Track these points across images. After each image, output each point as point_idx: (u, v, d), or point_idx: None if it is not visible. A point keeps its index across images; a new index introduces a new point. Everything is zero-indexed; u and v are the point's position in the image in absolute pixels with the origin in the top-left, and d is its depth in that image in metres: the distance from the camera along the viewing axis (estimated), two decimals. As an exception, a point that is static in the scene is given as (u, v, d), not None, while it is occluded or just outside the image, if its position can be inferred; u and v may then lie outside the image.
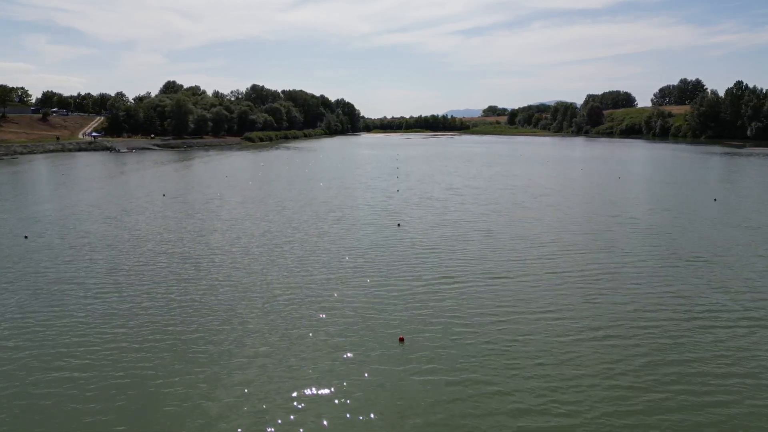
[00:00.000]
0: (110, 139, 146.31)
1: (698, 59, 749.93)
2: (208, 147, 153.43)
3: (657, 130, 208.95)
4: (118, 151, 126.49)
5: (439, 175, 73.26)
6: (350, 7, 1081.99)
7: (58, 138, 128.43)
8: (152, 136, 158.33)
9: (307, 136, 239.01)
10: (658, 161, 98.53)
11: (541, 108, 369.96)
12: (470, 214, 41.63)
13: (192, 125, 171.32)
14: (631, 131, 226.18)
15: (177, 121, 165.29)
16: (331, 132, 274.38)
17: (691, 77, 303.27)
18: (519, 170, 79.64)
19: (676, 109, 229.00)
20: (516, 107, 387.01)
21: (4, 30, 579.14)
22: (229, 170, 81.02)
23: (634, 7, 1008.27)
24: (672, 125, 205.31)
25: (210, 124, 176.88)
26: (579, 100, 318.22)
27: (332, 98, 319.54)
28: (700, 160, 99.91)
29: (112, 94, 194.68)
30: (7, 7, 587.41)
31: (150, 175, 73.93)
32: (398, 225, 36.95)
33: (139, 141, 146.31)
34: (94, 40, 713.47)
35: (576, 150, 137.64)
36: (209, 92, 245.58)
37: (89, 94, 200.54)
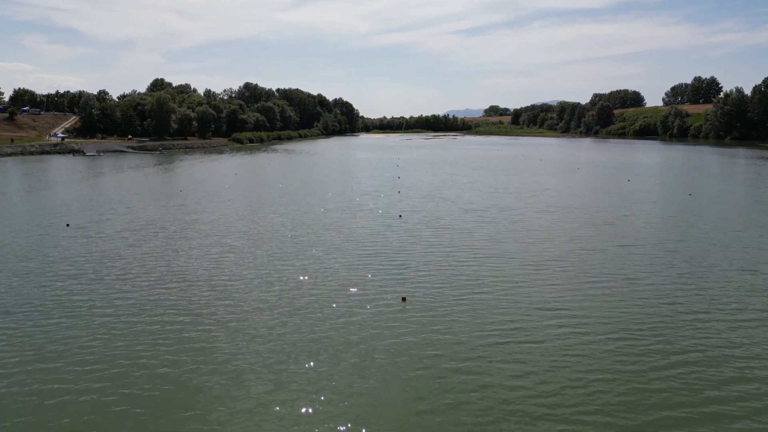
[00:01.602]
0: (80, 140, 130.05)
1: (699, 58, 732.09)
2: (189, 149, 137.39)
3: (675, 131, 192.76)
4: (84, 154, 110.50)
5: (450, 187, 57.20)
6: (349, 7, 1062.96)
7: (12, 140, 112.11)
8: (129, 137, 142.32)
9: (302, 137, 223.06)
10: (713, 168, 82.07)
11: (545, 108, 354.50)
12: (515, 266, 25.62)
13: (175, 125, 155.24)
14: (646, 132, 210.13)
15: (158, 120, 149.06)
16: (328, 132, 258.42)
17: (691, 76, 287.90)
18: (550, 181, 63.53)
19: (691, 109, 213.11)
20: (516, 107, 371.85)
21: (2, 30, 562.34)
22: (192, 180, 65.00)
23: (634, 6, 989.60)
24: (691, 125, 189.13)
25: (195, 124, 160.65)
26: (580, 99, 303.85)
27: (331, 98, 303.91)
28: (761, 167, 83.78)
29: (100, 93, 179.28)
30: (6, 7, 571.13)
31: (90, 187, 57.88)
32: (403, 300, 20.94)
33: (112, 143, 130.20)
34: (92, 40, 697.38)
35: (599, 153, 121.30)
36: (205, 92, 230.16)
37: (68, 91, 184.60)
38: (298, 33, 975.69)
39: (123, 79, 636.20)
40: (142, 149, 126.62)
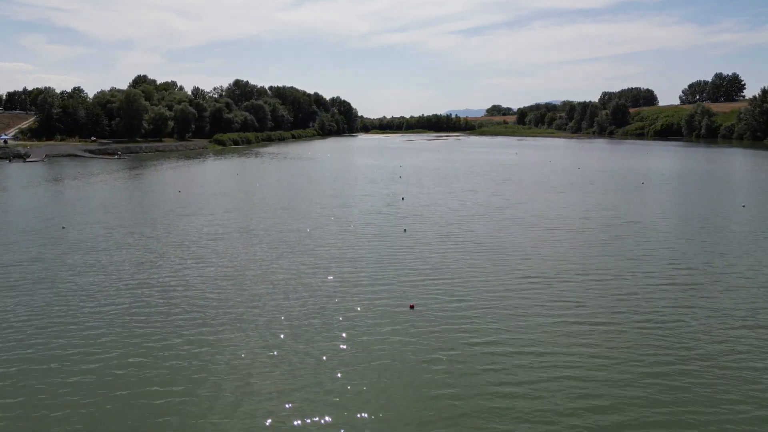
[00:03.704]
0: (32, 143, 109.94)
1: (699, 58, 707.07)
2: (160, 153, 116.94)
3: (702, 131, 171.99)
4: (24, 160, 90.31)
5: (479, 218, 36.84)
6: (349, 7, 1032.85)
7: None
8: (93, 138, 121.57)
9: (295, 138, 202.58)
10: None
11: (549, 107, 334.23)
12: None
13: (150, 125, 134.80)
14: (668, 132, 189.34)
15: (127, 120, 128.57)
16: (325, 133, 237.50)
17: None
18: (621, 204, 42.92)
19: (714, 107, 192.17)
20: (518, 107, 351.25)
21: (2, 30, 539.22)
22: (108, 202, 44.63)
23: (634, 6, 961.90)
24: (720, 125, 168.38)
25: (171, 123, 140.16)
26: (582, 99, 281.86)
27: (329, 97, 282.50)
28: None
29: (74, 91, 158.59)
30: (5, 7, 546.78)
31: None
32: None
33: (68, 146, 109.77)
34: (91, 40, 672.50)
35: (641, 158, 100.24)
36: (193, 89, 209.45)
37: (37, 88, 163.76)
38: (298, 33, 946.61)
39: (123, 79, 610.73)
40: (102, 153, 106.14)
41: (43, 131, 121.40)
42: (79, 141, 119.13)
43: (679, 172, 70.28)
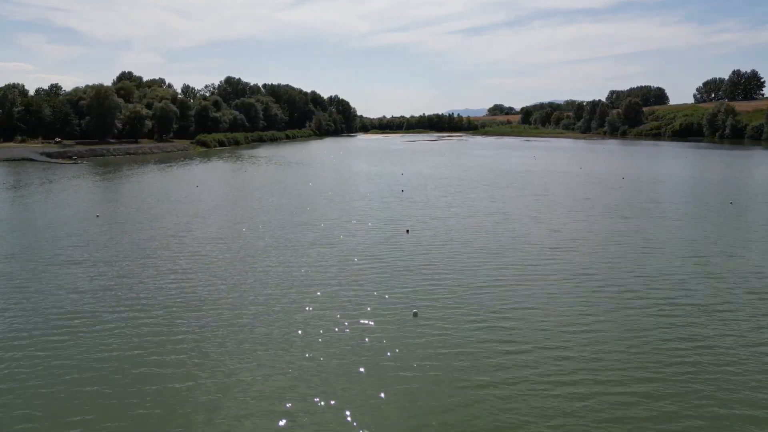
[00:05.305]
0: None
1: (700, 58, 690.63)
2: (131, 156, 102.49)
3: (726, 131, 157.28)
4: (-38, 165, 76.01)
5: (532, 271, 22.39)
6: (349, 6, 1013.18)
7: None
8: (57, 140, 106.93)
9: (290, 138, 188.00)
10: None
11: (553, 106, 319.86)
12: None
13: (126, 125, 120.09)
14: (687, 132, 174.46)
15: (97, 119, 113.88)
16: (322, 133, 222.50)
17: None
18: (726, 240, 28.34)
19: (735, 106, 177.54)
20: (519, 106, 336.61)
21: (1, 30, 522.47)
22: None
23: (634, 6, 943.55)
24: (746, 125, 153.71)
25: (150, 123, 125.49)
26: (582, 98, 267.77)
27: (327, 95, 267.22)
28: None
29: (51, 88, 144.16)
30: (2, 6, 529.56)
31: None
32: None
33: (23, 149, 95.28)
34: (90, 40, 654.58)
35: (683, 164, 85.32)
36: (182, 87, 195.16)
37: (7, 85, 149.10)
38: (298, 33, 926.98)
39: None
40: (62, 156, 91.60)
41: (1, 132, 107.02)
42: (41, 143, 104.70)
43: (761, 187, 55.58)
